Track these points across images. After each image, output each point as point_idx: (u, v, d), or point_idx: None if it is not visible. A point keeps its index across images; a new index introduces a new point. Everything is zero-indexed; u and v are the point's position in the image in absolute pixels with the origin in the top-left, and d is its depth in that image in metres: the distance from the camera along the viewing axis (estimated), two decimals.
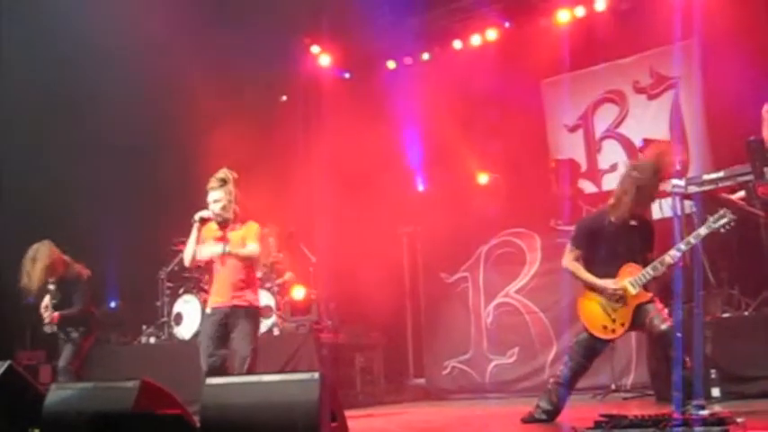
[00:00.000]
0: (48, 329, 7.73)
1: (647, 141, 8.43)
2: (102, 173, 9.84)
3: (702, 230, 5.63)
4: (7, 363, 5.07)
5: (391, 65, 11.07)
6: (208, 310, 6.45)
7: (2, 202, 9.55)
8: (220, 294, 6.32)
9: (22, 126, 9.60)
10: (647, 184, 5.64)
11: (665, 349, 5.56)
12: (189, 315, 9.28)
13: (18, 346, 9.36)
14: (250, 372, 6.00)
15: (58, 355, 7.84)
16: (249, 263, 6.39)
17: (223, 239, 6.31)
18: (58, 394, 4.82)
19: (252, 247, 6.31)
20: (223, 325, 6.25)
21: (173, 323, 9.35)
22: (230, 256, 6.25)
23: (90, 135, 9.83)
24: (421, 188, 10.77)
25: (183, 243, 9.42)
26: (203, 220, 6.35)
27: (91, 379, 7.47)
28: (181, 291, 9.41)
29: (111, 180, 9.97)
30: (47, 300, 7.60)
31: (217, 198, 6.31)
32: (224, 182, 6.32)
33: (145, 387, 4.48)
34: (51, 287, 7.54)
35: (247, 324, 6.24)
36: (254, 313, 6.38)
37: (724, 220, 5.54)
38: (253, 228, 6.45)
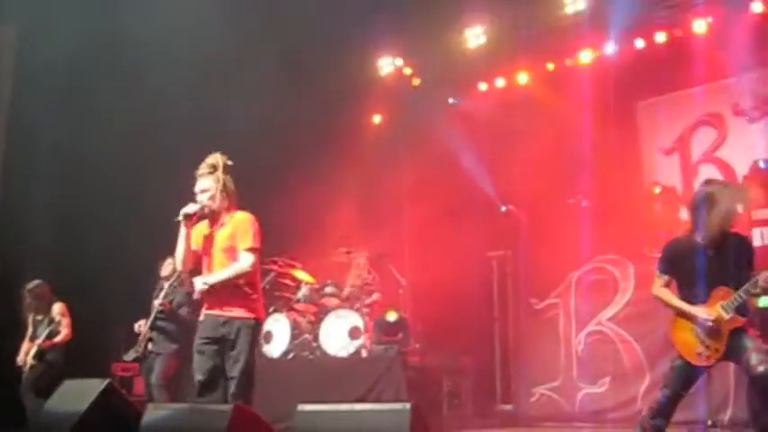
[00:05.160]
0: (129, 356, 7.96)
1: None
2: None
3: None
4: (107, 381, 5.23)
5: (483, 86, 11.03)
6: (201, 318, 5.54)
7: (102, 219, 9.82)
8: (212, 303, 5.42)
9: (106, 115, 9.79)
10: (722, 206, 5.44)
11: (763, 393, 5.36)
12: (278, 334, 9.38)
13: (113, 358, 9.59)
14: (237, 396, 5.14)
15: (146, 370, 8.06)
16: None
17: (209, 241, 5.44)
18: (155, 414, 4.95)
19: (237, 266, 5.31)
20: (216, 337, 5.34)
21: (262, 341, 9.44)
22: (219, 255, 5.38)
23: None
24: (503, 209, 10.60)
25: (275, 262, 9.66)
26: (189, 217, 5.37)
27: (182, 396, 7.69)
28: (271, 309, 9.51)
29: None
30: (141, 324, 7.88)
31: (204, 187, 5.44)
32: (214, 168, 5.45)
33: (238, 410, 4.56)
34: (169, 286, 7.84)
35: (246, 339, 5.29)
36: (253, 326, 5.35)
37: None
38: (243, 222, 5.43)
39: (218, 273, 5.35)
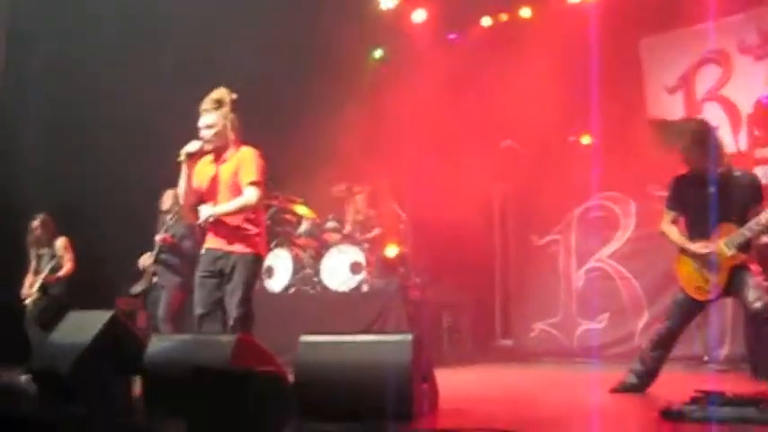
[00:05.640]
0: (136, 290, 8.04)
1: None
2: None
3: None
4: (111, 312, 5.27)
5: (486, 21, 10.90)
6: (202, 251, 5.54)
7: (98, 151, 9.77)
8: (213, 238, 5.41)
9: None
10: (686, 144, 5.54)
11: (760, 327, 5.42)
12: (280, 269, 9.42)
13: (116, 292, 9.64)
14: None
15: (151, 302, 8.13)
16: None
17: (215, 181, 5.38)
18: (159, 345, 5.00)
19: (243, 199, 5.28)
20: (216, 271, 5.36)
21: (264, 276, 9.48)
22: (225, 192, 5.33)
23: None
24: (506, 143, 10.56)
25: (276, 197, 9.65)
26: (191, 156, 5.33)
27: (187, 328, 7.75)
28: (273, 244, 9.53)
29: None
30: (145, 257, 7.93)
31: (210, 122, 5.33)
32: (219, 103, 5.35)
33: (240, 342, 4.61)
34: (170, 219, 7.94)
35: (242, 273, 5.30)
36: (251, 261, 5.35)
37: None
38: (247, 157, 5.35)
39: (223, 204, 5.33)
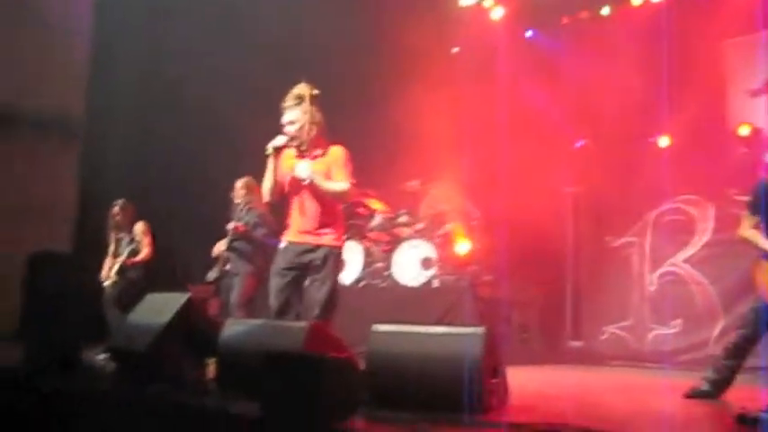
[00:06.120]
0: (211, 276, 8.20)
1: None
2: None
3: None
4: (187, 295, 5.38)
5: (565, 20, 10.80)
6: (282, 245, 5.56)
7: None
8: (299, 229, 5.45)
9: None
10: None
11: None
12: (351, 261, 9.48)
13: (189, 280, 9.83)
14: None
15: (224, 290, 8.27)
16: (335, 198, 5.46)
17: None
18: (233, 328, 5.10)
19: (341, 185, 5.36)
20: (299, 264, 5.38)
21: None
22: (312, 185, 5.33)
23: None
24: (581, 143, 10.43)
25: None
26: (278, 150, 5.39)
27: (258, 316, 7.85)
28: (345, 237, 9.58)
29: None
30: (220, 245, 8.09)
31: (292, 118, 5.39)
32: (300, 99, 5.39)
33: (313, 329, 4.67)
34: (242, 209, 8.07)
35: (331, 265, 5.38)
36: (338, 254, 5.45)
37: None
38: (340, 157, 5.43)
39: (325, 181, 5.35)
